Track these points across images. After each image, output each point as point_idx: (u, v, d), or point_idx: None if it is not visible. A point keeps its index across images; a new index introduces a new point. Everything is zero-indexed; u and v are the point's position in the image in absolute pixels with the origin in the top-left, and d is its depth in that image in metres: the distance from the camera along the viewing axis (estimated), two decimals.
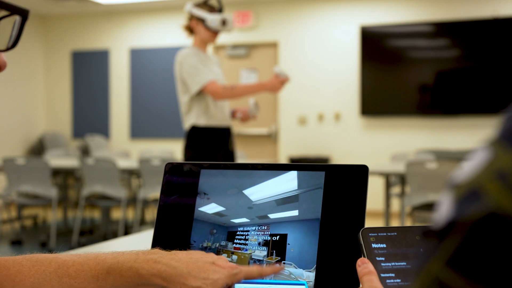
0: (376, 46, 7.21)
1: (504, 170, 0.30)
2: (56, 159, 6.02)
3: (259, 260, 0.84)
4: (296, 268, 0.81)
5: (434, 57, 7.00)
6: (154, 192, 5.23)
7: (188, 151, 3.66)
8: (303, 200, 0.85)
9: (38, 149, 8.31)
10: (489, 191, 0.30)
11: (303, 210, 0.85)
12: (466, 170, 0.32)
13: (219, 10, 3.68)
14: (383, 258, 0.70)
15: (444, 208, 0.32)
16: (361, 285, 0.66)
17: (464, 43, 6.86)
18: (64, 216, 6.26)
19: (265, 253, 0.84)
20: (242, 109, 3.81)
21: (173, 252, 0.76)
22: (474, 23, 6.80)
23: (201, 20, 3.65)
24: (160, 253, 0.76)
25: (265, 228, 0.86)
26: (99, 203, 5.44)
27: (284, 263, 0.82)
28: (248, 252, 0.85)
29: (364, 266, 0.67)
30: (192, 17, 3.69)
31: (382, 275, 0.69)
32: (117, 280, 0.74)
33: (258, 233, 0.86)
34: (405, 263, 0.70)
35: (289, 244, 0.83)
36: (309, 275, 0.79)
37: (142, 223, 6.13)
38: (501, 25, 6.67)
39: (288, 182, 0.88)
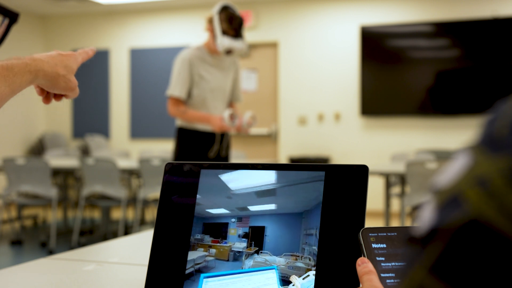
0: (376, 46, 7.21)
1: (484, 177, 0.30)
2: (56, 159, 6.02)
3: (238, 252, 0.86)
4: (270, 255, 0.84)
5: (434, 57, 7.00)
6: (154, 192, 5.23)
7: (175, 150, 3.77)
8: (280, 194, 0.88)
9: (38, 149, 8.31)
10: (470, 197, 0.30)
11: (281, 203, 0.87)
12: (447, 175, 0.32)
13: (236, 34, 3.56)
14: (383, 258, 0.70)
15: (427, 215, 0.32)
16: (361, 285, 0.67)
17: (464, 43, 6.86)
18: (64, 216, 6.26)
19: (244, 244, 0.86)
20: (239, 120, 3.73)
21: (51, 55, 1.00)
22: (474, 23, 6.80)
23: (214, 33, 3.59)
24: (42, 55, 0.98)
25: (245, 220, 0.88)
26: (99, 203, 5.44)
27: (261, 252, 0.85)
28: (228, 244, 0.87)
29: (364, 265, 0.68)
30: (210, 21, 3.59)
31: (382, 275, 0.69)
32: (11, 78, 0.88)
33: (238, 225, 0.88)
34: (405, 263, 0.70)
35: (266, 235, 0.86)
36: (280, 260, 0.84)
37: (142, 223, 6.13)
38: (501, 25, 6.68)
39: (266, 176, 0.90)
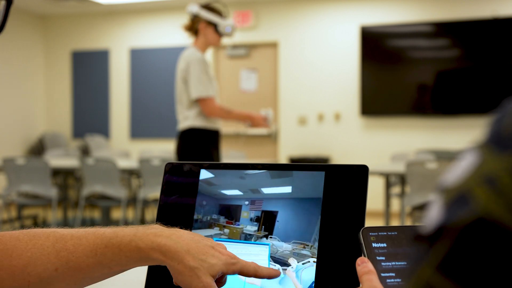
0: (376, 46, 7.21)
1: (492, 175, 0.30)
2: (56, 159, 6.02)
3: (249, 235, 0.87)
4: (279, 241, 0.85)
5: (434, 57, 7.00)
6: (154, 192, 5.23)
7: (182, 151, 3.72)
8: (296, 176, 0.88)
9: (38, 149, 8.31)
10: (477, 195, 0.30)
11: (296, 187, 0.87)
12: (454, 174, 0.32)
13: (225, 16, 3.75)
14: (383, 258, 0.70)
15: (434, 213, 0.32)
16: (360, 285, 0.66)
17: (464, 43, 6.86)
18: (64, 216, 6.26)
19: (255, 228, 0.88)
20: (255, 116, 3.86)
21: (175, 228, 0.75)
22: (474, 23, 6.80)
23: (211, 24, 3.66)
24: (160, 228, 0.75)
25: (258, 203, 0.89)
26: (99, 203, 5.44)
27: (270, 237, 0.86)
28: (240, 226, 0.88)
29: (363, 265, 0.67)
30: (199, 19, 3.69)
31: (382, 274, 0.69)
32: (116, 254, 0.72)
33: (251, 208, 0.89)
34: (405, 263, 0.70)
35: (278, 221, 0.87)
36: (287, 246, 0.85)
37: (142, 223, 6.12)
38: (501, 25, 6.68)
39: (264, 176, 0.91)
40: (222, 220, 0.88)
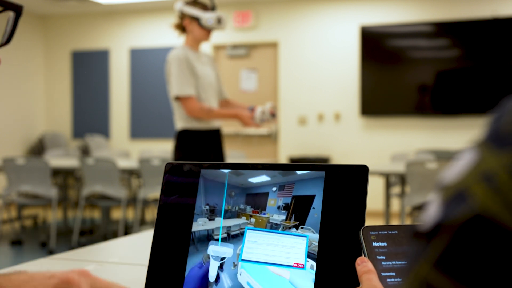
0: (376, 46, 7.21)
1: (490, 172, 0.30)
2: (56, 159, 6.02)
3: (276, 224, 0.81)
4: (314, 233, 0.78)
5: (434, 57, 7.00)
6: (154, 192, 5.23)
7: (178, 152, 3.66)
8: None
9: (38, 149, 8.31)
10: (475, 193, 0.30)
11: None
12: (453, 171, 0.32)
13: (212, 8, 3.67)
14: (383, 257, 0.70)
15: (432, 210, 0.32)
16: (360, 284, 0.66)
17: (464, 43, 6.86)
18: (64, 216, 6.26)
19: (283, 217, 0.81)
20: (242, 115, 3.64)
21: (19, 272, 0.62)
22: (474, 23, 6.80)
23: (195, 19, 3.61)
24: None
25: (288, 188, 0.81)
26: (99, 203, 5.44)
27: (302, 228, 0.79)
28: (266, 215, 0.82)
29: (363, 265, 0.67)
30: (184, 16, 3.65)
31: (382, 274, 0.68)
32: None
33: (279, 194, 0.81)
34: (405, 262, 0.70)
35: (314, 208, 0.79)
36: None
37: (142, 223, 6.13)
38: (501, 25, 6.68)
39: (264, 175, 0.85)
40: (249, 209, 0.83)
